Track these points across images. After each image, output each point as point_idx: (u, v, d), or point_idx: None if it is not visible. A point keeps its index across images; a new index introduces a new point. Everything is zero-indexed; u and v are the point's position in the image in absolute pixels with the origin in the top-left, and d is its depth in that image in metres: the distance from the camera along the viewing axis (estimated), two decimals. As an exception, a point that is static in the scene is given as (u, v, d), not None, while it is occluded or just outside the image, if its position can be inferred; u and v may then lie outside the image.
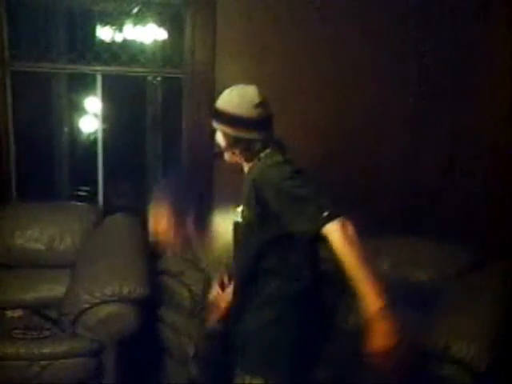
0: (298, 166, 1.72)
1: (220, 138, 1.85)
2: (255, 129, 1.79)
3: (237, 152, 1.82)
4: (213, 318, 1.96)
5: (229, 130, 1.80)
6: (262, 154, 1.78)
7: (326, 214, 1.56)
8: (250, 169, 1.81)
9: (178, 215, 2.02)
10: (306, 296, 1.66)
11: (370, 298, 1.49)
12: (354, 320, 2.73)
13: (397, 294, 2.68)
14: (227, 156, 1.87)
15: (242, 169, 1.88)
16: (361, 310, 1.51)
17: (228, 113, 1.79)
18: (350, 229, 1.56)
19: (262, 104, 1.80)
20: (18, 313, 2.81)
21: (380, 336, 1.48)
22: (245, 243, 1.81)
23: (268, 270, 1.72)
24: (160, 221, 1.98)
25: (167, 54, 3.75)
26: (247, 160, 1.83)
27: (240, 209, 1.82)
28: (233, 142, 1.80)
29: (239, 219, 1.83)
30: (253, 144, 1.79)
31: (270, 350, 1.67)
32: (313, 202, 1.60)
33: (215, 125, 1.85)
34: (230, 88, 1.84)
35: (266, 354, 1.69)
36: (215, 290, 1.99)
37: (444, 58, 3.35)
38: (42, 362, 2.44)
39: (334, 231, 1.55)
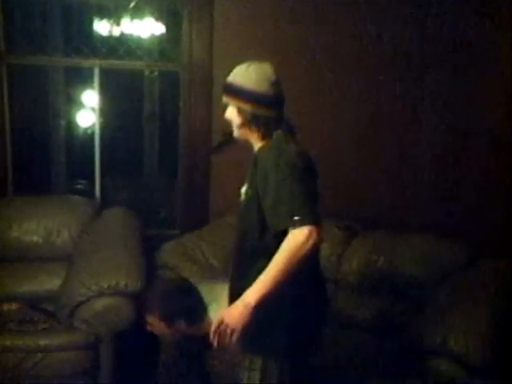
0: (302, 156, 1.68)
1: (233, 115, 1.78)
2: (272, 107, 1.75)
3: (254, 129, 1.76)
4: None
5: (246, 107, 1.74)
6: (274, 134, 1.74)
7: (296, 218, 1.56)
8: (260, 148, 1.77)
9: (169, 322, 2.23)
10: (303, 276, 1.65)
11: (255, 292, 1.60)
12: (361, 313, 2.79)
13: (394, 289, 2.73)
14: (239, 133, 1.81)
15: (251, 146, 1.83)
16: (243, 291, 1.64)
17: (246, 89, 1.73)
18: (311, 242, 1.56)
19: (278, 82, 1.76)
20: (13, 306, 2.81)
21: (232, 313, 1.63)
22: (245, 221, 1.79)
23: (266, 249, 1.69)
24: (155, 326, 2.25)
25: (164, 47, 3.75)
26: (262, 138, 1.77)
27: (244, 188, 1.80)
28: (250, 119, 1.75)
29: (243, 198, 1.80)
30: (269, 122, 1.74)
31: (268, 329, 1.67)
32: (290, 201, 1.59)
33: (228, 100, 1.79)
34: (246, 63, 1.78)
35: (264, 332, 1.69)
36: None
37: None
38: (39, 355, 2.45)
39: (294, 237, 1.56)
